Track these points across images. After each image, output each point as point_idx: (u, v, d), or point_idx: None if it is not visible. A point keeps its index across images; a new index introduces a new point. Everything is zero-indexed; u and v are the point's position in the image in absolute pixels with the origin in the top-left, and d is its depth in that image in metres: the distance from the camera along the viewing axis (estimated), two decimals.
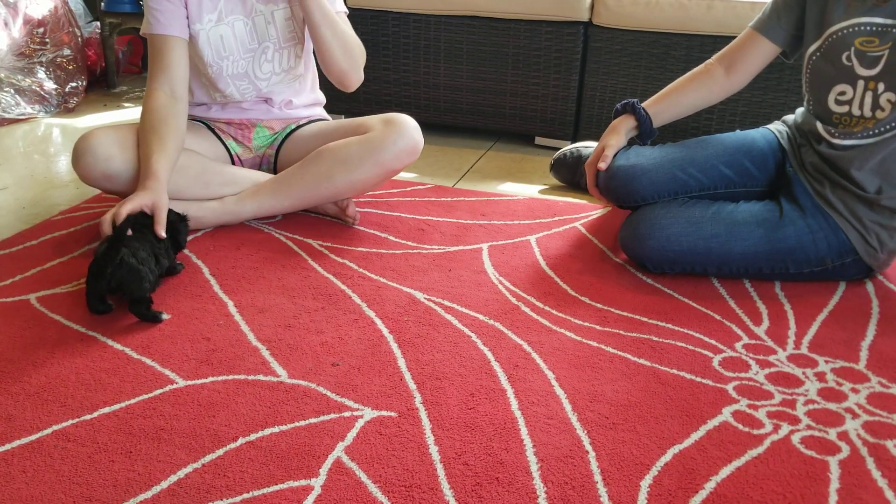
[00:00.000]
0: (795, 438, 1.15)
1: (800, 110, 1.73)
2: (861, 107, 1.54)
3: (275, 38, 1.84)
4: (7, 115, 2.68)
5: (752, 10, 2.19)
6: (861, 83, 1.53)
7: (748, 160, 1.69)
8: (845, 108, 1.57)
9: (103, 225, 1.51)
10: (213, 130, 1.93)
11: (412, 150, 1.80)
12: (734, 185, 1.69)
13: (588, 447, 1.11)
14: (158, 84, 1.72)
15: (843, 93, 1.56)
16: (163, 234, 1.51)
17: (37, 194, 2.05)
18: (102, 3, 3.08)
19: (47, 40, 2.86)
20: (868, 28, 1.50)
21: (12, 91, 2.72)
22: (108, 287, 1.39)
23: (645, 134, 1.77)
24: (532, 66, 2.44)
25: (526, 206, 2.03)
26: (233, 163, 1.94)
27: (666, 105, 1.76)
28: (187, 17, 1.75)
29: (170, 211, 1.57)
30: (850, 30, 1.52)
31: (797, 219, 1.58)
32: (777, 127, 1.77)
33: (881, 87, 1.51)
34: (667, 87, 1.79)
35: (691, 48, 2.28)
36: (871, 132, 1.53)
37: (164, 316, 1.43)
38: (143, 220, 1.50)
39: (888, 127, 1.51)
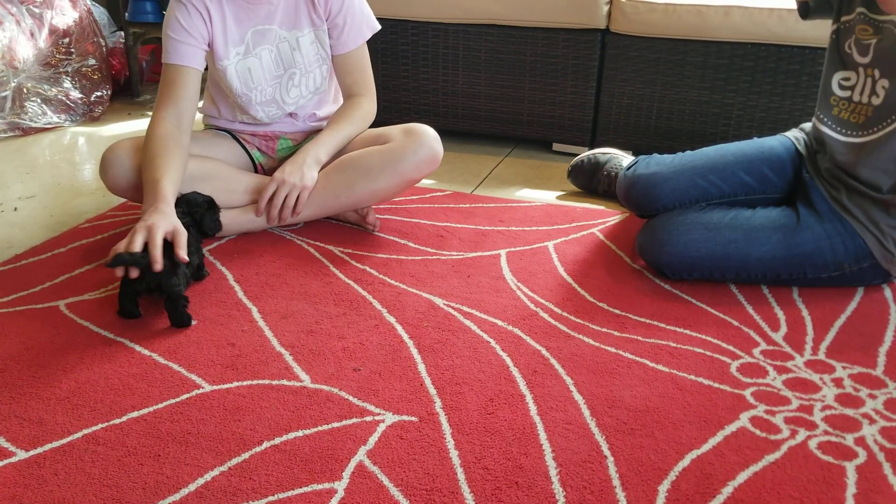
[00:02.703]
0: (812, 444, 1.15)
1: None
2: (861, 93, 1.58)
3: (301, 63, 1.86)
4: (34, 125, 2.73)
5: (769, 17, 2.20)
6: (861, 70, 1.57)
7: (767, 167, 1.71)
8: (847, 94, 1.61)
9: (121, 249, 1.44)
10: (237, 140, 1.97)
11: (432, 160, 1.82)
12: (753, 192, 1.71)
13: (606, 452, 1.12)
14: (166, 113, 1.71)
15: (847, 78, 1.60)
16: (185, 257, 1.46)
17: (64, 202, 2.10)
18: (126, 14, 3.13)
19: (72, 50, 2.91)
20: (864, 17, 1.55)
21: (39, 100, 2.77)
22: (147, 287, 1.43)
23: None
24: (549, 73, 2.46)
25: (544, 212, 2.04)
26: (256, 171, 1.97)
27: None
28: (210, 52, 1.78)
29: (198, 194, 1.61)
30: (855, 18, 1.57)
31: (814, 224, 1.59)
32: (794, 134, 1.78)
33: (877, 73, 1.54)
34: None
35: (708, 55, 2.29)
36: (872, 128, 1.55)
37: (193, 321, 1.46)
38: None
39: (888, 122, 1.53)
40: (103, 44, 3.06)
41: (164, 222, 1.47)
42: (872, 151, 1.55)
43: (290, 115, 1.96)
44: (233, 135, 1.97)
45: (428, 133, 1.82)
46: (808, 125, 1.78)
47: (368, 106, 1.93)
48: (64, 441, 1.14)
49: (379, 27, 1.94)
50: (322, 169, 1.82)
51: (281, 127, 1.97)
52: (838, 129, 1.61)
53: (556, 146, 2.59)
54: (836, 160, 1.62)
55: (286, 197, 1.77)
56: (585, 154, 2.21)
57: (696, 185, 1.69)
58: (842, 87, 1.62)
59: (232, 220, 1.80)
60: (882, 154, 1.54)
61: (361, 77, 1.93)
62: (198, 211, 1.62)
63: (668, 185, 1.70)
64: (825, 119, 1.65)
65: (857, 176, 1.57)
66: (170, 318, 1.46)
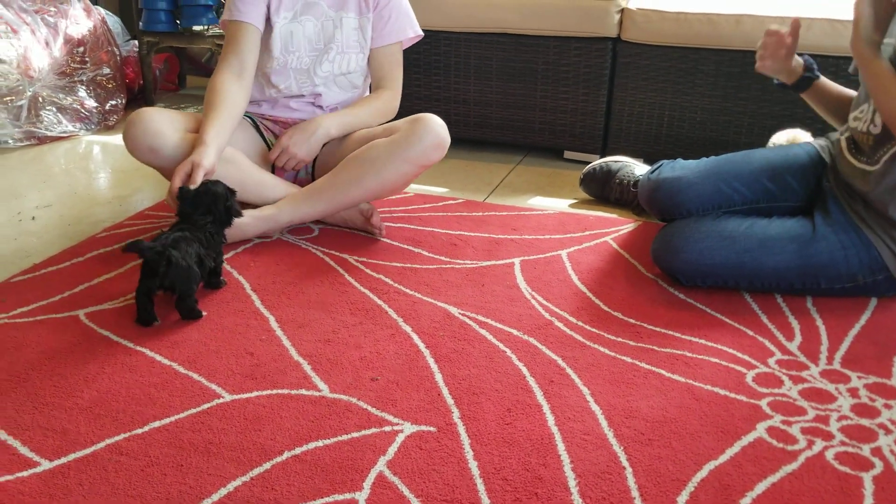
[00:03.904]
0: (829, 454, 1.16)
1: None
2: (867, 123, 1.59)
3: (340, 41, 1.96)
4: (49, 133, 2.76)
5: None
6: (871, 101, 1.58)
7: (790, 175, 1.72)
8: (856, 124, 1.64)
9: (170, 200, 1.67)
10: (257, 127, 2.02)
11: (438, 145, 1.84)
12: (775, 200, 1.72)
13: (625, 463, 1.13)
14: (227, 64, 1.87)
15: (862, 110, 1.62)
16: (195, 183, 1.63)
17: (81, 211, 2.12)
18: (140, 23, 3.15)
19: (87, 59, 2.94)
20: None
21: (54, 109, 2.80)
22: (161, 285, 1.46)
23: (802, 80, 1.77)
24: (561, 81, 2.47)
25: (556, 220, 2.05)
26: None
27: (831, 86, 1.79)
28: (268, 9, 1.90)
29: (219, 183, 1.65)
30: None
31: (830, 234, 1.59)
32: (820, 142, 1.79)
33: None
34: None
35: (720, 63, 2.30)
36: (874, 157, 1.57)
37: (204, 313, 1.53)
38: (190, 227, 1.57)
39: (883, 152, 1.55)
40: (117, 53, 3.09)
41: (188, 160, 1.67)
42: (877, 178, 1.56)
43: (314, 102, 2.01)
44: (253, 121, 2.02)
45: (433, 120, 1.85)
46: (834, 134, 1.79)
47: (391, 100, 2.04)
48: (87, 451, 1.15)
49: (422, 34, 2.06)
50: (328, 162, 1.96)
51: (302, 115, 2.02)
52: (852, 151, 1.64)
53: (568, 154, 2.60)
54: (843, 172, 1.64)
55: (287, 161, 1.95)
56: (597, 162, 2.22)
57: (720, 191, 1.71)
58: (855, 119, 1.65)
59: (249, 219, 1.81)
60: (885, 183, 1.55)
61: (392, 72, 2.04)
62: (221, 202, 1.64)
63: (693, 190, 1.72)
64: (842, 140, 1.68)
65: (865, 196, 1.59)
66: (181, 314, 1.51)
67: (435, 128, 1.84)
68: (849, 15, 2.13)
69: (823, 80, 1.79)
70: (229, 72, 1.86)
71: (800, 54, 1.78)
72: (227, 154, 1.81)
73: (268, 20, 1.92)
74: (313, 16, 1.94)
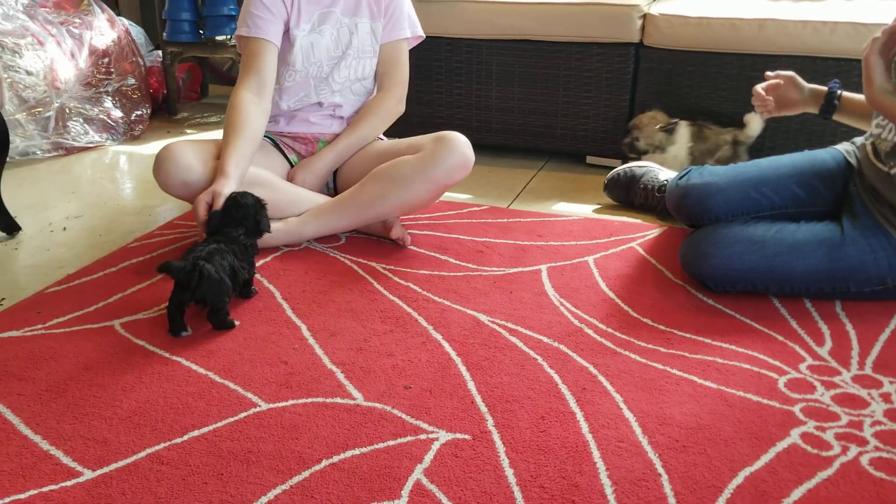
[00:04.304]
0: (864, 460, 1.16)
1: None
2: (892, 132, 1.60)
3: (356, 47, 1.99)
4: (76, 144, 2.79)
5: (803, 29, 2.20)
6: None
7: (818, 180, 1.72)
8: (878, 131, 1.64)
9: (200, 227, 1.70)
10: (277, 146, 2.04)
11: (463, 165, 1.86)
12: (803, 205, 1.72)
13: (660, 470, 1.14)
14: (247, 84, 1.88)
15: (885, 117, 1.62)
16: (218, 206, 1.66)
17: (110, 221, 2.14)
18: (164, 34, 3.19)
19: (112, 70, 2.98)
20: None
21: (81, 120, 2.84)
22: (193, 298, 1.48)
23: (828, 105, 1.80)
24: (583, 87, 2.48)
25: (582, 226, 2.06)
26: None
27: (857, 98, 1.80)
28: (287, 23, 1.92)
29: (248, 194, 1.68)
30: None
31: (858, 238, 1.59)
32: (846, 147, 1.79)
33: None
34: None
35: (743, 67, 2.30)
36: (889, 162, 1.58)
37: (236, 322, 1.55)
38: (225, 238, 1.59)
39: None
40: (141, 63, 3.12)
41: (209, 190, 1.70)
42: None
43: (332, 115, 2.04)
44: (273, 140, 2.04)
45: (459, 139, 1.86)
46: (859, 139, 1.79)
47: (391, 104, 2.05)
48: (129, 461, 1.17)
49: (422, 35, 2.09)
50: (350, 174, 2.00)
51: (320, 129, 2.05)
52: (877, 156, 1.64)
53: (590, 159, 2.60)
54: (875, 186, 1.64)
55: None
56: (621, 167, 2.22)
57: (749, 197, 1.71)
58: (878, 126, 1.65)
59: (274, 231, 1.84)
60: None
61: (394, 70, 2.05)
62: (251, 214, 1.66)
63: (722, 195, 1.72)
64: (867, 144, 1.68)
65: (889, 201, 1.59)
66: (213, 325, 1.53)
67: (460, 147, 1.85)
68: (872, 18, 2.15)
69: (849, 96, 1.79)
70: (249, 90, 1.88)
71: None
72: (257, 177, 1.83)
73: (286, 33, 1.94)
74: (330, 24, 1.97)
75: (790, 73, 1.84)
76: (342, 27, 1.98)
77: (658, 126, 2.29)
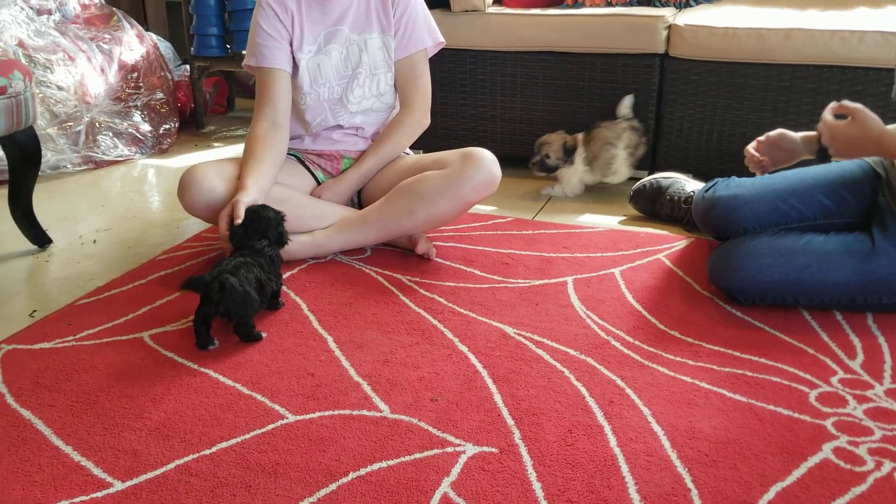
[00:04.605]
0: None
1: None
2: None
3: (367, 64, 1.95)
4: (106, 157, 2.83)
5: (830, 39, 2.19)
6: None
7: (846, 190, 1.70)
8: None
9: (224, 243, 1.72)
10: (303, 163, 2.04)
11: (490, 182, 1.85)
12: (831, 216, 1.70)
13: (690, 485, 1.13)
14: (263, 115, 1.89)
15: None
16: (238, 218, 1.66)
17: (139, 234, 2.17)
18: (192, 48, 3.23)
19: (141, 84, 3.02)
20: None
21: (110, 134, 2.88)
22: (217, 311, 1.49)
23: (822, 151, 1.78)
24: (608, 98, 2.47)
25: (607, 237, 2.05)
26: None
27: None
28: (291, 48, 1.90)
29: (267, 207, 1.69)
30: None
31: (889, 248, 1.57)
32: (873, 157, 1.77)
33: None
34: None
35: (769, 77, 2.28)
36: None
37: (263, 334, 1.55)
38: (251, 252, 1.60)
39: None
40: (169, 77, 3.17)
41: (229, 205, 1.71)
42: None
43: (356, 133, 2.03)
44: (299, 158, 2.05)
45: (485, 156, 1.85)
46: None
47: (415, 119, 2.02)
48: (158, 472, 1.18)
49: (442, 40, 2.04)
50: (375, 188, 2.00)
51: (345, 146, 2.05)
52: None
53: None
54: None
55: None
56: (647, 178, 2.21)
57: (776, 209, 1.70)
58: None
59: (300, 245, 1.86)
60: None
61: (415, 84, 2.01)
62: (273, 225, 1.68)
63: (749, 207, 1.71)
64: None
65: None
66: (239, 338, 1.54)
67: (486, 165, 1.84)
68: None
69: None
70: (265, 121, 1.88)
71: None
72: (280, 194, 1.84)
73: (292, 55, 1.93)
74: (337, 43, 1.94)
75: (777, 132, 1.83)
76: (351, 45, 1.94)
77: (563, 142, 2.32)
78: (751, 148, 1.85)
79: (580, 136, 2.34)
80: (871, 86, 2.19)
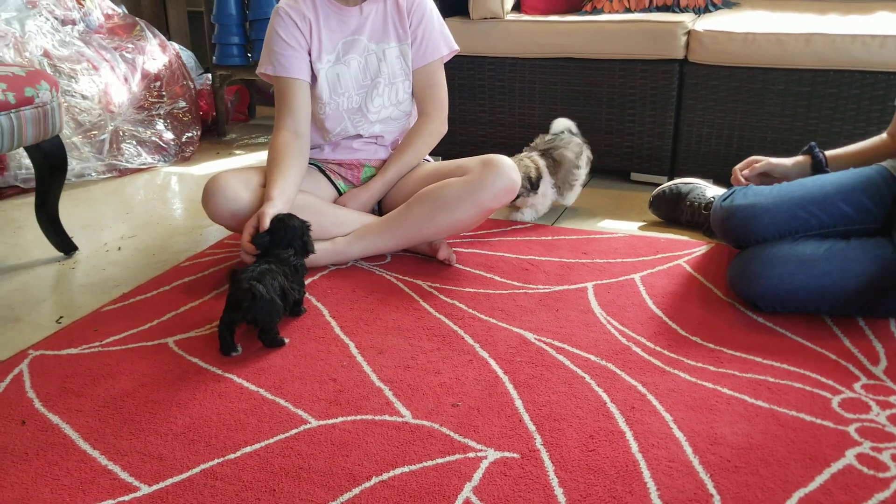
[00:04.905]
0: None
1: None
2: None
3: (386, 73, 1.97)
4: (129, 165, 2.87)
5: (851, 43, 2.18)
6: None
7: (866, 197, 1.69)
8: None
9: (245, 255, 1.74)
10: (324, 172, 2.06)
11: (510, 189, 1.86)
12: (852, 223, 1.69)
13: (712, 491, 1.13)
14: (284, 124, 1.91)
15: None
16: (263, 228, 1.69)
17: (163, 241, 2.20)
18: (214, 57, 3.27)
19: (164, 93, 3.06)
20: None
21: (134, 142, 2.92)
22: (244, 318, 1.51)
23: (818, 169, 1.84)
24: (627, 104, 2.48)
25: (627, 243, 2.05)
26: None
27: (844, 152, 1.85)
28: (310, 58, 1.92)
29: (293, 217, 1.71)
30: None
31: None
32: (891, 163, 1.76)
33: None
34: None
35: (790, 82, 2.28)
36: None
37: (286, 340, 1.57)
38: (276, 260, 1.62)
39: None
40: (192, 86, 3.20)
41: (255, 216, 1.73)
42: None
43: (375, 142, 2.05)
44: (319, 167, 2.06)
45: (505, 163, 1.86)
46: None
47: (433, 126, 2.04)
48: (184, 476, 1.20)
49: (457, 48, 2.05)
50: (396, 195, 2.01)
51: (365, 155, 2.07)
52: None
53: (635, 176, 2.59)
54: None
55: None
56: (667, 184, 2.21)
57: (795, 217, 1.69)
58: None
59: (322, 252, 1.87)
60: None
61: (433, 92, 2.03)
62: (298, 234, 1.69)
63: (768, 216, 1.70)
64: None
65: None
66: (263, 343, 1.56)
67: (506, 172, 1.86)
68: None
69: (834, 154, 1.84)
70: (286, 131, 1.90)
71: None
72: (302, 201, 1.86)
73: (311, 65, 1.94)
74: (356, 53, 1.95)
75: (763, 163, 1.88)
76: (370, 54, 1.96)
77: (528, 177, 2.15)
78: (739, 173, 1.89)
79: (542, 163, 2.19)
80: (892, 90, 2.18)
